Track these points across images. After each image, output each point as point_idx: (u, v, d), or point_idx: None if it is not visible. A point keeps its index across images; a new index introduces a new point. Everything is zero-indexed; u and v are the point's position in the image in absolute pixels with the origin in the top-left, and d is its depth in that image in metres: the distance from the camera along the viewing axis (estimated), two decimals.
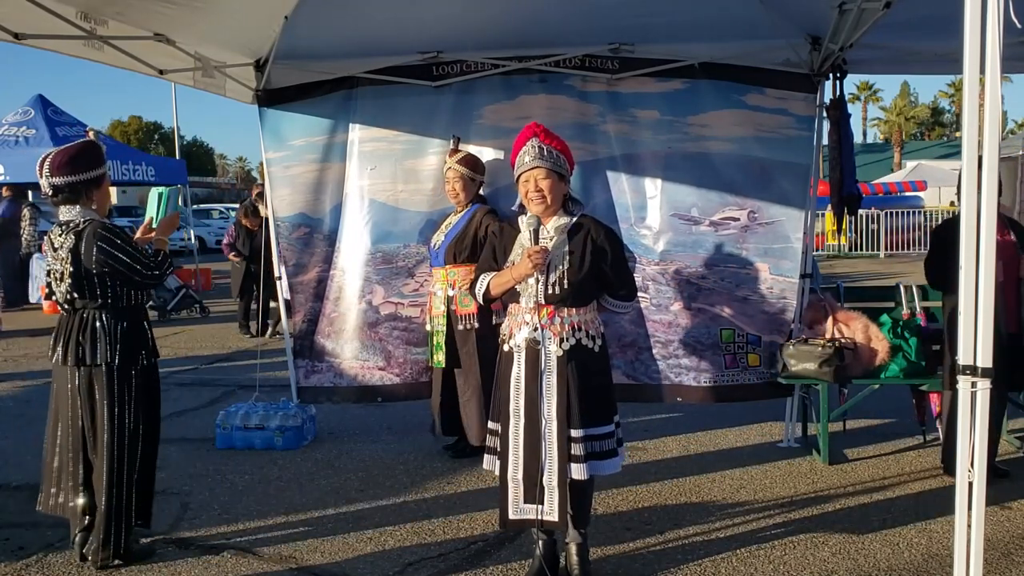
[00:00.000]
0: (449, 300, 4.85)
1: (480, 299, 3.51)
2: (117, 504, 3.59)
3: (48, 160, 3.55)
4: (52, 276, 3.61)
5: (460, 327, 4.83)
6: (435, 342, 4.91)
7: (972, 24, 2.51)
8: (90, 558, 3.65)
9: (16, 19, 3.93)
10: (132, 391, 3.61)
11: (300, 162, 5.29)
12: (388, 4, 4.53)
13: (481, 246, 4.66)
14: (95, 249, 3.49)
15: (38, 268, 13.91)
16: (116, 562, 3.65)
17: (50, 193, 3.58)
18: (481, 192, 5.01)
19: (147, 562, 3.73)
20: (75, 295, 3.56)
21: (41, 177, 3.57)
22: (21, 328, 11.30)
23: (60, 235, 3.58)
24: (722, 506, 4.30)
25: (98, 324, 3.55)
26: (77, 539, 3.69)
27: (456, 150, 4.98)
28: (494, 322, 4.77)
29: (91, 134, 3.99)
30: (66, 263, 3.52)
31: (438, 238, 4.96)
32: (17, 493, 4.74)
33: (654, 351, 5.12)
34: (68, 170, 3.54)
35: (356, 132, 5.27)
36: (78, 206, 3.59)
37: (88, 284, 3.54)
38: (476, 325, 4.77)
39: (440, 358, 4.88)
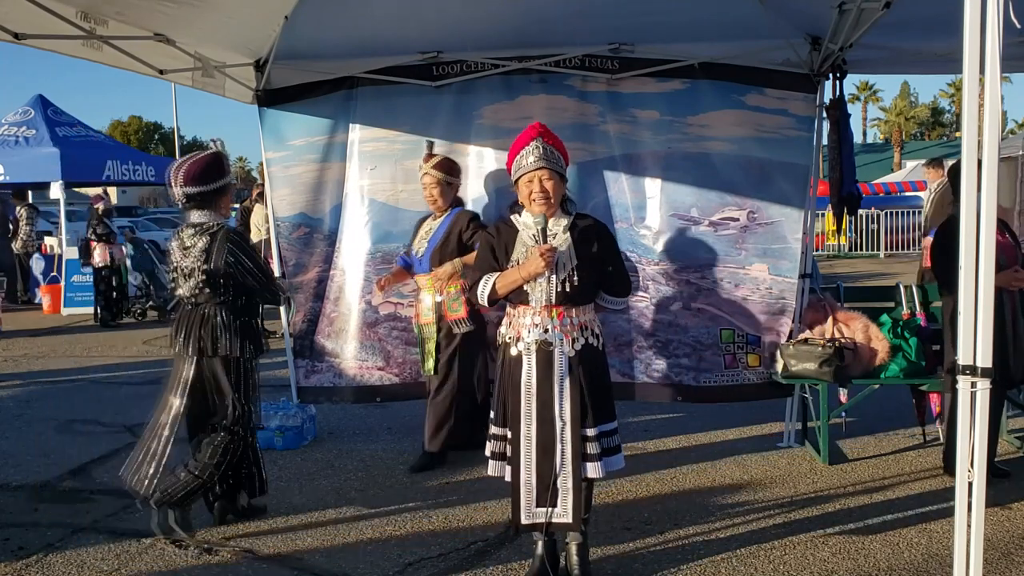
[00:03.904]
0: (438, 306, 4.79)
1: (484, 300, 3.46)
2: (209, 477, 3.97)
3: (182, 171, 3.90)
4: (178, 272, 3.94)
5: (450, 331, 4.77)
6: (427, 349, 4.84)
7: (972, 24, 2.51)
8: (155, 495, 3.92)
9: (16, 19, 3.93)
10: (244, 379, 3.96)
11: (300, 162, 5.28)
12: (388, 4, 4.53)
13: (464, 250, 4.68)
14: (226, 251, 3.86)
15: (37, 268, 13.93)
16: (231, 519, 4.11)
17: (183, 200, 3.94)
18: (459, 195, 4.96)
19: (147, 560, 3.73)
20: (200, 291, 3.89)
21: (175, 187, 3.91)
22: (21, 328, 11.30)
23: (192, 236, 3.92)
24: (722, 506, 4.30)
25: (219, 319, 3.90)
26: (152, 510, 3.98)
27: (431, 155, 4.89)
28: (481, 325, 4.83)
29: (216, 145, 4.26)
30: (198, 261, 3.87)
31: (420, 245, 4.86)
32: (17, 493, 4.74)
33: (654, 351, 5.12)
34: (199, 180, 3.90)
35: (356, 132, 5.27)
36: (207, 211, 3.96)
37: (214, 282, 3.87)
38: (466, 329, 4.76)
39: (430, 365, 4.81)
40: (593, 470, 3.33)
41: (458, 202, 4.92)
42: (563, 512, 3.29)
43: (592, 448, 3.32)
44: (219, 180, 3.99)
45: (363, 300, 5.29)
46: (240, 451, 4.04)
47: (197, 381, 3.94)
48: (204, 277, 3.87)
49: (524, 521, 3.33)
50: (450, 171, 4.85)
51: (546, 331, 3.32)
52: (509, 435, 3.39)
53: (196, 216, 3.97)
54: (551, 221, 3.38)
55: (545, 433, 3.29)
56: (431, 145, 4.98)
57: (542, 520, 3.30)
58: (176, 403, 3.95)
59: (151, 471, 3.90)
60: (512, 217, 3.49)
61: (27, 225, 14.02)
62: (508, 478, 3.39)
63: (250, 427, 4.05)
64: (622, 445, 3.49)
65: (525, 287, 3.35)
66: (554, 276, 3.31)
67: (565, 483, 3.28)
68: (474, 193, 5.19)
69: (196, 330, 3.90)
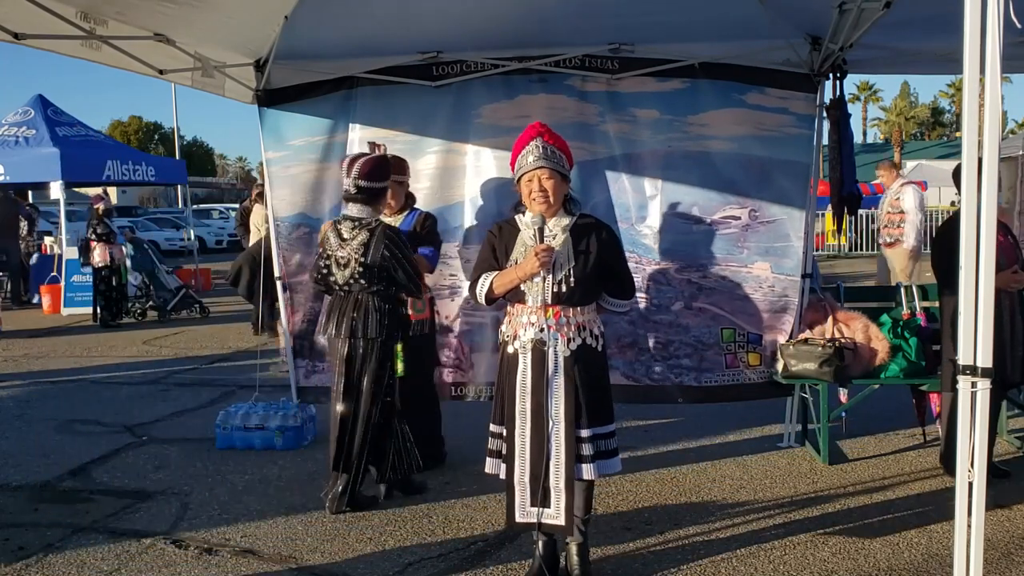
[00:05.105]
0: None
1: (482, 299, 3.49)
2: (360, 458, 4.23)
3: (357, 164, 4.21)
4: (332, 261, 4.22)
5: (413, 333, 4.68)
6: (395, 349, 4.74)
7: (972, 24, 2.51)
8: (328, 506, 4.26)
9: (16, 19, 3.93)
10: (389, 362, 4.24)
11: (300, 162, 5.28)
12: (388, 4, 4.53)
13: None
14: (383, 247, 4.15)
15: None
16: (346, 509, 4.25)
17: (353, 192, 4.22)
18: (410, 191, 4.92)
19: (147, 560, 3.74)
20: (356, 280, 4.19)
21: (349, 176, 4.21)
22: (21, 328, 11.30)
23: (351, 229, 4.22)
24: (722, 506, 4.30)
25: (371, 305, 4.20)
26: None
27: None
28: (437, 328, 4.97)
29: (382, 149, 4.49)
30: (356, 253, 4.17)
31: None
32: (17, 493, 4.73)
33: (655, 351, 5.11)
34: (373, 177, 4.23)
35: (356, 132, 5.26)
36: (368, 207, 4.25)
37: (369, 272, 4.16)
38: (427, 330, 4.79)
39: (400, 367, 4.61)
40: (587, 471, 3.32)
41: (411, 198, 4.89)
42: (555, 513, 3.28)
43: (585, 449, 3.31)
44: (386, 180, 4.35)
45: None
46: (384, 429, 4.29)
47: (350, 360, 4.21)
48: (361, 269, 4.16)
49: (518, 519, 3.34)
50: (401, 170, 4.79)
51: (541, 330, 3.31)
52: (505, 433, 3.39)
53: (356, 210, 4.25)
54: (552, 221, 3.38)
55: (538, 432, 3.29)
56: (373, 146, 4.85)
57: (535, 520, 3.30)
58: (336, 386, 4.25)
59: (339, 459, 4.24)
60: (516, 217, 3.49)
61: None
62: (503, 476, 3.39)
63: (386, 409, 4.28)
64: (619, 448, 3.47)
65: (522, 286, 3.35)
66: (550, 276, 3.30)
67: (557, 484, 3.27)
68: (472, 192, 5.19)
69: (349, 314, 4.20)
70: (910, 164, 35.78)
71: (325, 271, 4.26)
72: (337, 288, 4.27)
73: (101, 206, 11.37)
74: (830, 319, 4.98)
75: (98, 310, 11.41)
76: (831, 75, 4.91)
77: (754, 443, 5.36)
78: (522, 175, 3.37)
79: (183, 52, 4.74)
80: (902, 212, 9.05)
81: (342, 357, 4.22)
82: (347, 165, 4.26)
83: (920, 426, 5.20)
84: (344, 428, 4.23)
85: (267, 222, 5.71)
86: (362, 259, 4.16)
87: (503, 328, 3.49)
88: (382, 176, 4.30)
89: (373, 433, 4.26)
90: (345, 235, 4.22)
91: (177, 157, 30.55)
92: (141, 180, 14.23)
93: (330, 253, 4.24)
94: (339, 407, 4.23)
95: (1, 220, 13.43)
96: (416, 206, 4.92)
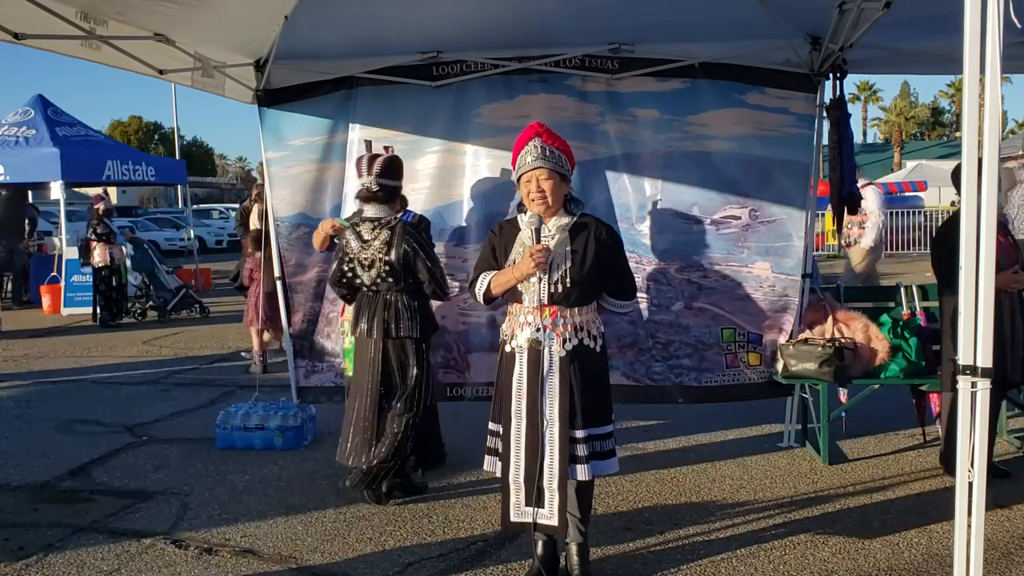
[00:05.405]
0: None
1: (480, 298, 3.50)
2: (398, 452, 4.25)
3: (376, 163, 4.26)
4: (357, 263, 4.26)
5: None
6: None
7: (972, 24, 2.51)
8: (349, 483, 4.33)
9: (16, 19, 3.92)
10: (424, 359, 4.32)
11: (300, 162, 5.28)
12: (388, 4, 4.53)
13: None
14: (404, 243, 4.20)
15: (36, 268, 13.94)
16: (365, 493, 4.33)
17: (375, 190, 4.25)
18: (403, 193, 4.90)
19: (147, 560, 3.74)
20: (383, 279, 4.23)
21: (368, 175, 4.25)
22: (21, 328, 11.30)
23: (372, 230, 4.26)
24: (722, 506, 4.30)
25: (400, 304, 4.25)
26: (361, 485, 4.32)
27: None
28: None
29: (390, 150, 4.51)
30: (380, 252, 4.21)
31: None
32: (17, 493, 4.74)
33: (655, 351, 5.11)
34: (392, 175, 4.32)
35: (356, 132, 5.25)
36: (386, 205, 4.29)
37: (394, 271, 4.20)
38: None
39: (349, 367, 4.76)
40: (581, 472, 3.32)
41: (403, 201, 4.85)
42: (549, 514, 3.28)
43: (580, 450, 3.31)
44: (401, 179, 4.43)
45: None
46: (415, 425, 4.35)
47: (383, 361, 4.25)
48: (387, 268, 4.20)
49: (513, 519, 3.34)
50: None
51: (538, 330, 3.31)
52: (502, 431, 3.40)
53: (374, 210, 4.29)
54: (552, 221, 3.37)
55: (533, 432, 3.29)
56: (370, 145, 4.81)
57: (530, 520, 3.30)
58: (368, 384, 4.27)
59: (365, 450, 4.26)
60: (517, 216, 3.50)
61: (29, 225, 14.05)
62: (500, 474, 3.40)
63: (424, 405, 4.35)
64: (616, 448, 3.47)
65: (519, 286, 3.35)
66: (546, 276, 3.30)
67: (551, 484, 3.26)
68: (470, 192, 5.19)
69: (380, 314, 4.24)
70: (910, 164, 35.78)
71: (350, 275, 4.27)
72: (365, 289, 4.30)
73: (101, 206, 11.37)
74: (830, 319, 4.98)
75: (98, 310, 11.41)
76: (831, 75, 4.91)
77: (754, 443, 5.36)
78: (521, 175, 3.37)
79: (183, 52, 4.74)
80: (865, 214, 9.11)
81: (377, 357, 4.24)
82: (366, 164, 4.27)
83: (920, 426, 5.20)
84: (380, 426, 4.25)
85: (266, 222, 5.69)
86: (386, 257, 4.19)
87: (503, 327, 3.50)
88: (399, 174, 4.37)
89: (414, 432, 4.30)
90: (366, 236, 4.24)
91: (177, 157, 30.55)
92: (141, 180, 14.22)
93: (352, 256, 4.26)
94: (375, 404, 4.25)
95: (7, 220, 13.44)
96: (411, 208, 4.93)
